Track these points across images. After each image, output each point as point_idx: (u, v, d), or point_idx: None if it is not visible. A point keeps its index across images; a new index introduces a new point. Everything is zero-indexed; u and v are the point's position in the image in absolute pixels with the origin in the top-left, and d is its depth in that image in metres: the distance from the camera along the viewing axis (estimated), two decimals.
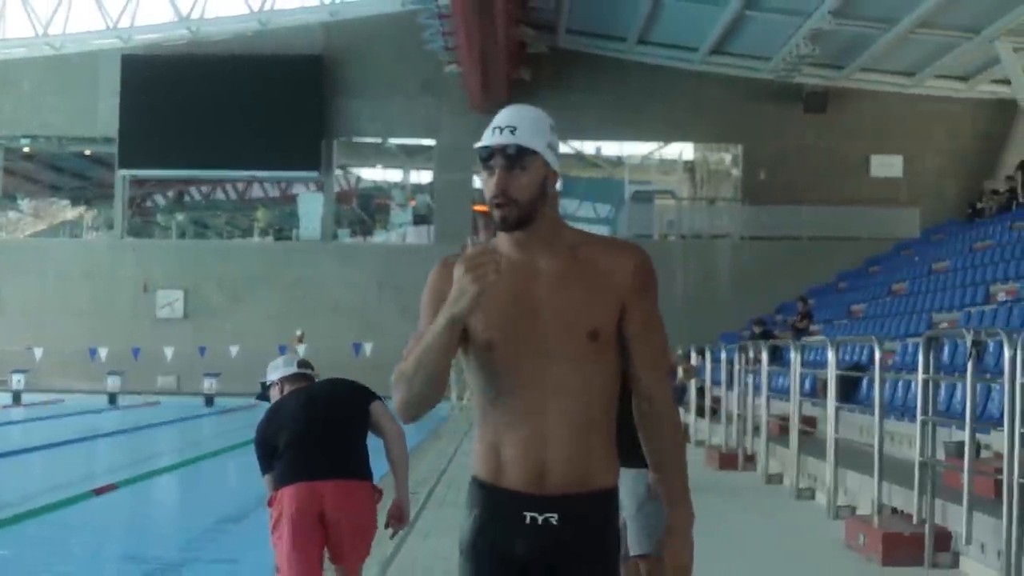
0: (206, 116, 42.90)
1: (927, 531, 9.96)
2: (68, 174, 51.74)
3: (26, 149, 49.16)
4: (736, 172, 44.15)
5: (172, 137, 43.47)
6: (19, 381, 38.23)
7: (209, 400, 37.56)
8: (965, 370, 9.62)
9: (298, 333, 38.18)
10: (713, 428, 22.51)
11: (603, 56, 42.32)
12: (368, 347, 38.17)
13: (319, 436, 7.19)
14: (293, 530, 7.03)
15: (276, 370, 7.80)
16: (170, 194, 50.43)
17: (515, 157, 3.91)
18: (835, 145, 42.02)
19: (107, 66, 44.73)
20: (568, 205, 47.77)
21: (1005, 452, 8.50)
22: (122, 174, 45.24)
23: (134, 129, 43.97)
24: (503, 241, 4.01)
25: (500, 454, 3.95)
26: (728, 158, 45.26)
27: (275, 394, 7.70)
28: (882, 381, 12.06)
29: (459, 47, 36.65)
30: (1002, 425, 8.88)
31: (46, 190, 51.94)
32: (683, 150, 46.60)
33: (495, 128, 3.95)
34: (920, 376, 10.35)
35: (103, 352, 40.64)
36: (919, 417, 10.36)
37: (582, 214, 48.06)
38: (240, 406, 35.52)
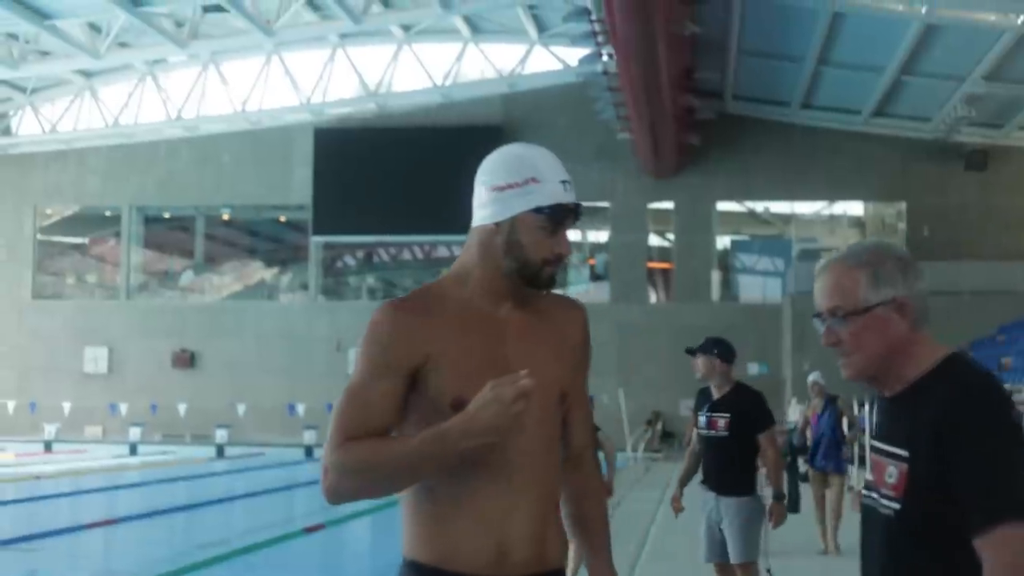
0: (394, 184, 45.25)
1: None
2: (262, 238, 54.46)
3: (225, 216, 52.25)
4: (902, 226, 45.35)
5: (362, 204, 45.98)
6: (223, 435, 40.36)
7: None
8: None
9: None
10: (862, 475, 24.00)
11: (769, 120, 43.85)
12: None
13: None
14: None
15: None
16: (359, 255, 52.74)
17: (579, 215, 3.68)
18: (997, 201, 43.01)
19: (300, 138, 47.63)
20: (747, 260, 49.18)
21: None
22: (316, 240, 48.04)
23: (326, 197, 46.75)
24: (461, 288, 3.65)
25: (450, 531, 3.49)
26: (895, 213, 46.34)
27: None
28: None
29: (629, 117, 38.28)
30: None
31: (242, 253, 54.73)
32: (848, 207, 47.76)
33: (564, 183, 3.62)
34: None
35: (300, 408, 43.25)
36: None
37: (760, 267, 49.25)
38: None
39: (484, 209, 3.66)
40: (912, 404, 3.33)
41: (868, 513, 3.45)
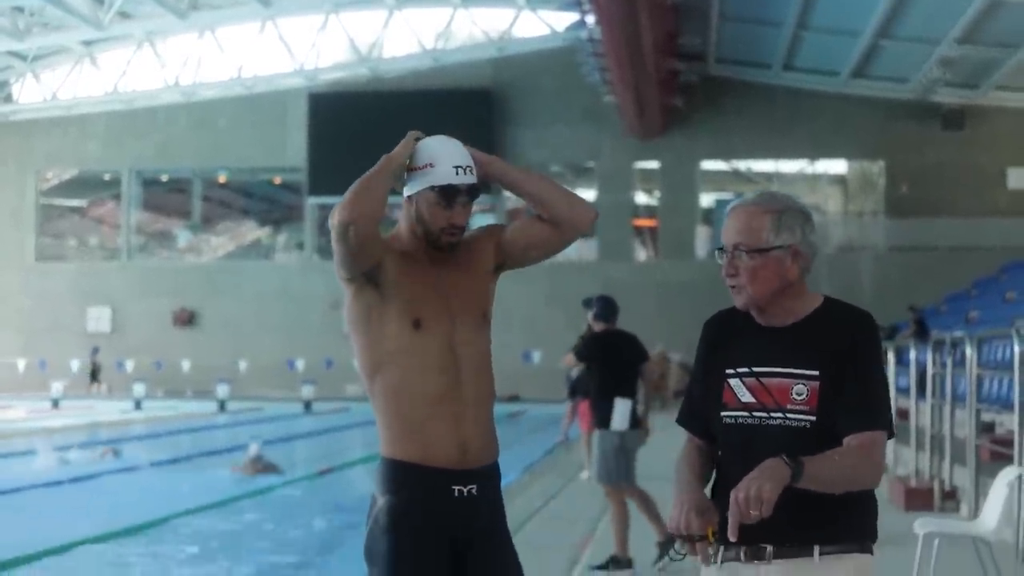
0: (386, 146, 45.03)
1: (935, 485, 13.14)
2: (257, 199, 55.55)
3: (221, 179, 53.45)
4: (882, 183, 46.57)
5: (355, 166, 45.29)
6: (224, 391, 40.85)
7: None
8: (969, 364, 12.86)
9: None
10: None
11: (751, 82, 44.92)
12: (537, 355, 41.53)
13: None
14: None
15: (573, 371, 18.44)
16: None
17: (474, 195, 4.55)
18: (973, 159, 44.03)
19: (295, 103, 48.75)
20: None
21: (969, 423, 11.65)
22: (311, 202, 49.26)
23: (321, 160, 47.78)
24: (401, 241, 4.61)
25: (424, 434, 4.41)
26: (877, 171, 47.60)
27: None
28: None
29: (614, 81, 39.19)
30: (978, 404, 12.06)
31: (237, 214, 55.82)
32: (830, 166, 48.93)
33: (457, 168, 4.52)
34: (930, 370, 13.57)
35: (300, 363, 44.46)
36: (929, 400, 13.58)
37: None
38: None
39: (405, 187, 4.58)
40: (813, 333, 3.92)
41: (753, 431, 3.91)
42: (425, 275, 4.51)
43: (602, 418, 11.33)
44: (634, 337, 11.81)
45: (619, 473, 11.30)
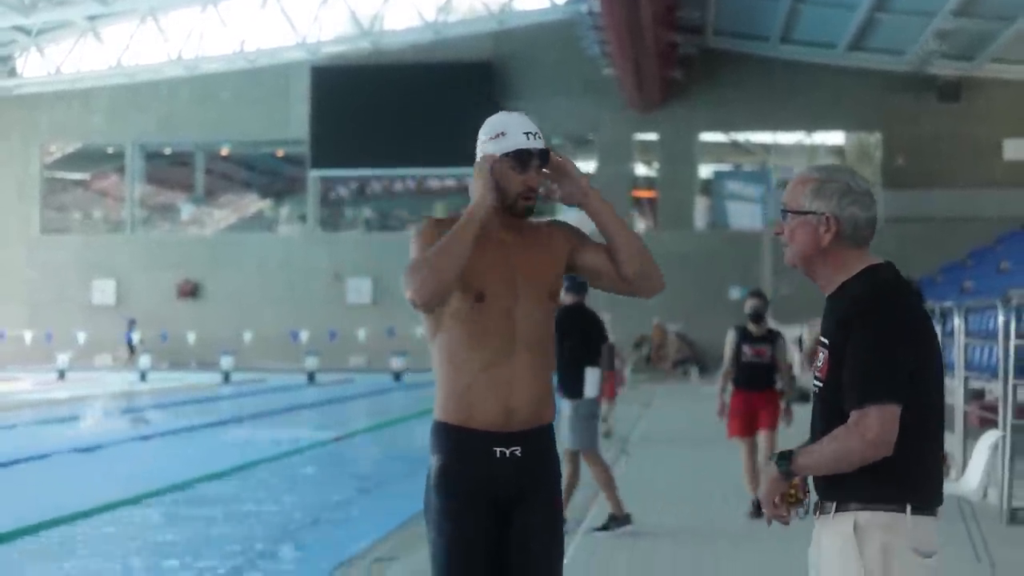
0: (388, 119, 46.37)
1: None
2: (260, 172, 55.71)
3: (224, 152, 53.77)
4: (879, 155, 46.86)
5: (358, 139, 47.27)
6: (228, 362, 40.95)
7: (397, 376, 40.07)
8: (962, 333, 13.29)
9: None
10: None
11: (749, 54, 45.12)
12: None
13: None
14: None
15: None
16: (352, 186, 53.72)
17: (545, 159, 4.73)
18: (969, 131, 44.25)
19: (297, 76, 48.95)
20: (732, 186, 50.45)
21: (957, 390, 12.09)
22: (314, 175, 49.57)
23: (323, 132, 48.10)
24: (494, 216, 4.71)
25: (469, 398, 4.66)
26: (874, 142, 47.84)
27: None
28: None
29: (614, 54, 39.40)
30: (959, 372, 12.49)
31: (240, 186, 56.07)
32: (827, 137, 49.05)
33: (527, 134, 4.71)
34: None
35: (303, 335, 44.85)
36: None
37: (741, 195, 50.40)
38: (425, 381, 39.07)
39: (478, 159, 4.73)
40: (834, 304, 4.13)
41: (813, 394, 4.21)
42: (495, 249, 4.70)
43: (575, 387, 11.68)
44: (599, 318, 12.20)
45: (595, 438, 11.82)
